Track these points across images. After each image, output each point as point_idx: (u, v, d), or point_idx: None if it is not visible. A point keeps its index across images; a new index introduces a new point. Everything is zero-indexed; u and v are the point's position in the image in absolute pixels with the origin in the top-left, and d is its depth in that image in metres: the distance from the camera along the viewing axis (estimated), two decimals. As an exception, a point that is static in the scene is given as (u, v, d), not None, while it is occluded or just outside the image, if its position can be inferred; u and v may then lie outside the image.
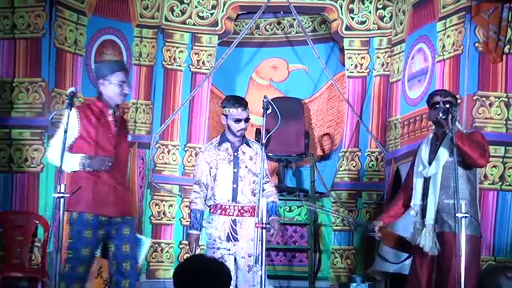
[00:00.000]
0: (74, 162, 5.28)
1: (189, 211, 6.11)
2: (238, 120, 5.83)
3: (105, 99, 5.44)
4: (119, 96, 5.47)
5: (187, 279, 3.35)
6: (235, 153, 5.90)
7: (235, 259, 5.83)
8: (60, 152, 4.97)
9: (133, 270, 5.40)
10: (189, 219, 5.89)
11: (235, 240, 5.81)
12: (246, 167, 5.89)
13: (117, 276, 5.37)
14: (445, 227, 5.39)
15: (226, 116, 5.86)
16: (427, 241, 5.41)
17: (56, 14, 6.96)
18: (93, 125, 5.37)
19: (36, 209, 6.78)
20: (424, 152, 5.58)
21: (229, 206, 5.83)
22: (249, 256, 5.76)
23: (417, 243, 5.48)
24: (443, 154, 5.45)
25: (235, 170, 5.87)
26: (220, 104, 6.06)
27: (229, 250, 5.81)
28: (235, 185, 5.84)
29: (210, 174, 5.84)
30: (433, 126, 5.70)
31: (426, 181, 5.54)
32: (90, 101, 7.23)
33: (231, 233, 5.82)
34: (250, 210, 5.80)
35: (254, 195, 5.78)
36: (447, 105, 5.40)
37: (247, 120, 5.88)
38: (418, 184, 5.60)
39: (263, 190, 5.69)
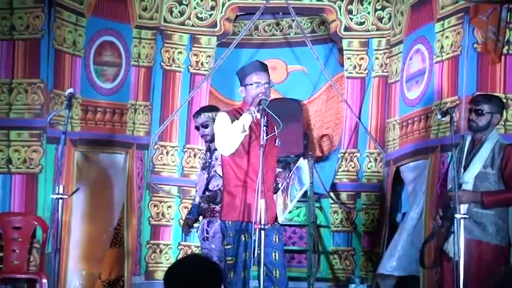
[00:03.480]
0: (237, 129, 5.13)
1: None
2: None
3: (248, 102, 5.26)
4: (259, 98, 5.19)
5: (177, 281, 3.32)
6: None
7: None
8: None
9: (282, 278, 5.25)
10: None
11: None
12: None
13: (267, 283, 5.15)
14: (472, 234, 5.39)
15: None
16: (452, 247, 5.40)
17: (55, 15, 6.95)
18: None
19: (34, 210, 6.77)
20: (460, 158, 5.55)
21: None
22: None
23: (443, 248, 5.50)
24: (476, 164, 5.45)
25: None
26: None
27: None
28: None
29: None
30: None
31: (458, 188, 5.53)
32: (93, 102, 7.34)
33: None
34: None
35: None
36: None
37: None
38: None
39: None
